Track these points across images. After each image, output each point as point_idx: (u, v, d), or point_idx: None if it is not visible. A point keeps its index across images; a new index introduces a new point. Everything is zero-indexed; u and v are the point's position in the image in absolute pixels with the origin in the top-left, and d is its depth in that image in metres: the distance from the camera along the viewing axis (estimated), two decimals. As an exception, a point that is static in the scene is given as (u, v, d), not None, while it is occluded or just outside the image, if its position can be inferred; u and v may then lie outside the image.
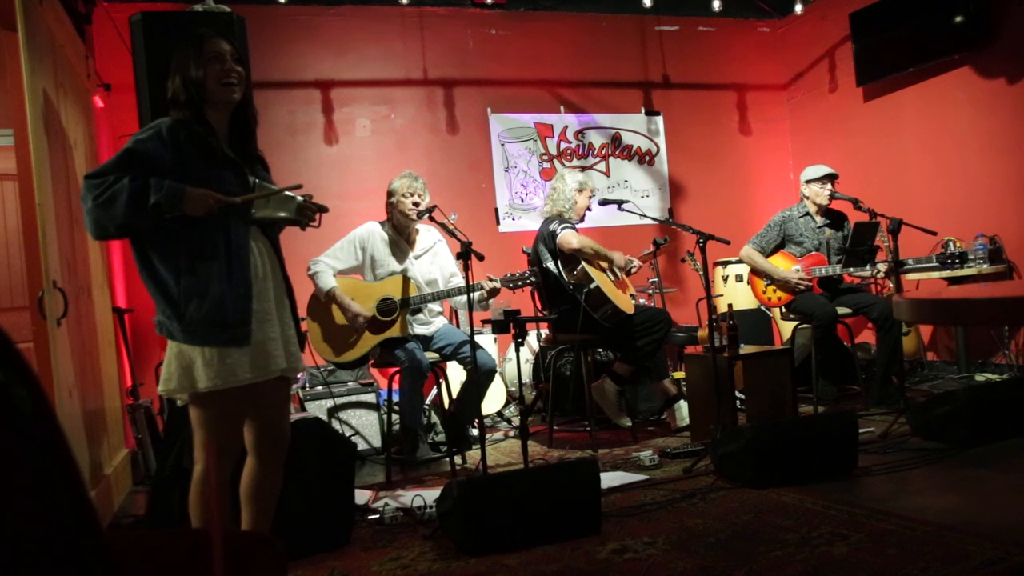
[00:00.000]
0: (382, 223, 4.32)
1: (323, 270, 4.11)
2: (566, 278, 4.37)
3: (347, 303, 4.03)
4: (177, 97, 2.26)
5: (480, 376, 4.09)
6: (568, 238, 4.40)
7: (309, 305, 4.12)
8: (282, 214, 2.36)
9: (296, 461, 2.62)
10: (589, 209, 4.72)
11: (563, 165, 6.65)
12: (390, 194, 4.27)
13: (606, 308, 4.29)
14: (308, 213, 2.39)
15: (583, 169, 6.63)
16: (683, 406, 4.59)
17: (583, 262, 4.36)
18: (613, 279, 4.49)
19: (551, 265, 4.46)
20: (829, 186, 4.90)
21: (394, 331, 4.06)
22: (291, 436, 2.46)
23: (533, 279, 4.11)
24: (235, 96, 2.29)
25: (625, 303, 4.41)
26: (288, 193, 2.37)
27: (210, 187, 2.18)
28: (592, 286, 4.27)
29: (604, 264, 4.47)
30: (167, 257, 2.18)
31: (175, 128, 2.22)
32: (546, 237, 4.51)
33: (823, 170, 4.93)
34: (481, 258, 3.47)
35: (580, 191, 4.64)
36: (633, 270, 4.52)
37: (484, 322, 5.28)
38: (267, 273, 2.33)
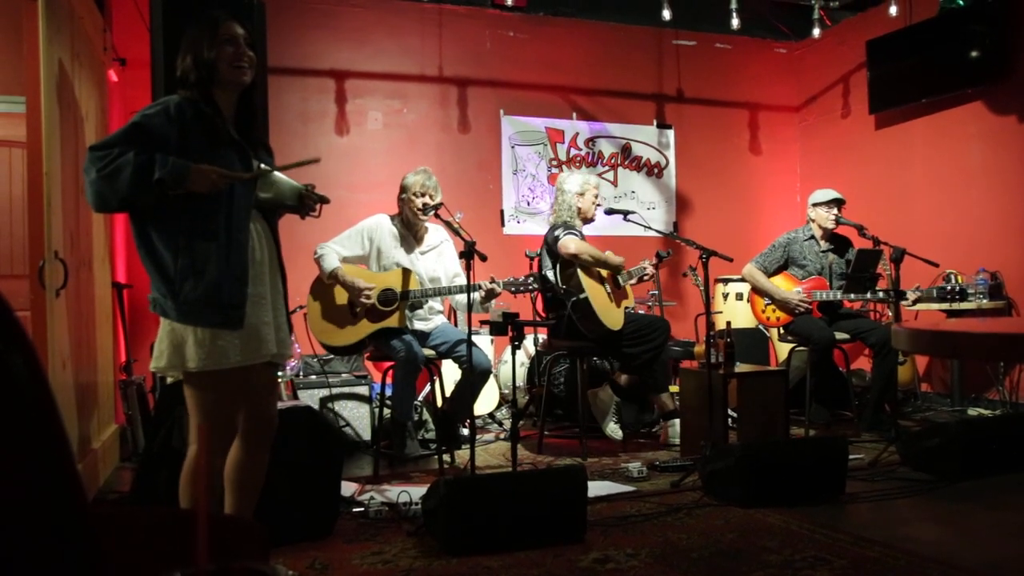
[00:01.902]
0: (392, 217, 4.33)
1: (329, 253, 4.12)
2: (560, 283, 4.36)
3: (351, 280, 4.03)
4: (187, 76, 2.26)
5: (475, 376, 4.08)
6: (567, 243, 4.40)
7: (312, 285, 4.12)
8: (283, 200, 2.36)
9: (285, 448, 2.62)
10: (599, 205, 4.66)
11: (569, 171, 6.65)
12: (403, 189, 4.27)
13: (591, 321, 4.30)
14: (309, 202, 2.39)
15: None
16: (677, 423, 4.58)
17: (579, 270, 4.35)
18: (609, 291, 4.48)
19: (550, 273, 4.46)
20: (835, 211, 4.91)
21: (391, 321, 4.06)
22: (282, 423, 2.46)
23: (534, 286, 4.11)
24: (245, 79, 2.29)
25: (613, 319, 4.36)
26: (292, 182, 2.37)
27: (214, 167, 2.18)
28: (582, 296, 4.28)
29: (604, 273, 4.46)
30: (166, 235, 2.17)
31: (182, 106, 2.21)
32: (549, 243, 4.52)
33: (830, 194, 4.93)
34: (484, 259, 3.47)
35: (581, 194, 4.64)
36: (634, 277, 4.53)
37: (482, 323, 5.30)
38: (264, 257, 2.32)
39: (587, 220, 4.68)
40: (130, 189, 2.08)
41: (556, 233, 4.49)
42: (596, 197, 4.66)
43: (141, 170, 2.08)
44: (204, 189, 2.14)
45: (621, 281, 4.55)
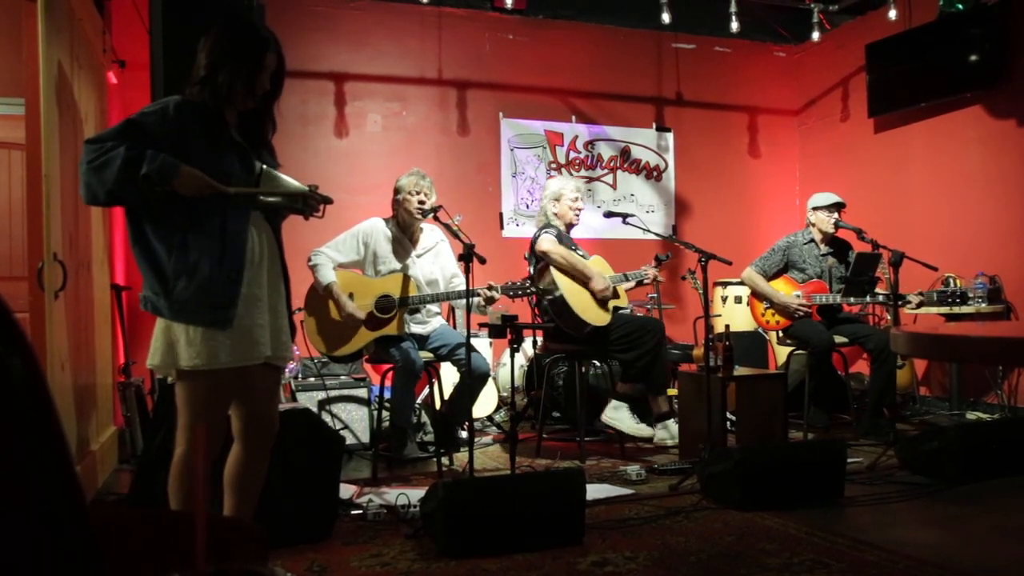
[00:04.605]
0: (386, 220, 4.33)
1: (323, 262, 4.11)
2: (535, 283, 4.33)
3: (343, 301, 4.03)
4: (205, 78, 2.24)
5: (473, 379, 4.08)
6: (542, 241, 4.45)
7: (307, 296, 4.11)
8: (286, 202, 2.35)
9: (283, 451, 2.62)
10: (578, 210, 4.65)
11: (571, 174, 6.66)
12: (397, 191, 4.28)
13: (570, 318, 4.29)
14: (312, 203, 2.38)
15: (589, 180, 6.65)
16: (669, 426, 4.57)
17: (552, 268, 4.37)
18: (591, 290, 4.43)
19: (533, 272, 4.48)
20: (836, 215, 4.91)
21: (390, 329, 4.06)
22: (280, 425, 2.45)
23: (533, 289, 4.11)
24: (250, 105, 2.30)
25: (595, 316, 4.34)
26: (295, 183, 2.36)
27: (213, 170, 2.17)
28: (557, 294, 4.27)
29: (582, 279, 4.40)
30: (162, 232, 2.17)
31: (182, 107, 2.21)
32: (532, 244, 4.54)
33: (831, 198, 4.93)
34: (483, 261, 3.46)
35: (557, 199, 4.67)
36: (631, 281, 4.50)
37: (481, 325, 5.30)
38: (263, 259, 2.31)
39: (569, 225, 4.67)
40: (116, 182, 2.08)
41: (536, 233, 4.58)
42: (575, 202, 4.65)
43: (129, 164, 2.07)
44: (189, 193, 2.13)
45: (612, 284, 4.49)
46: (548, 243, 4.44)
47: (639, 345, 4.38)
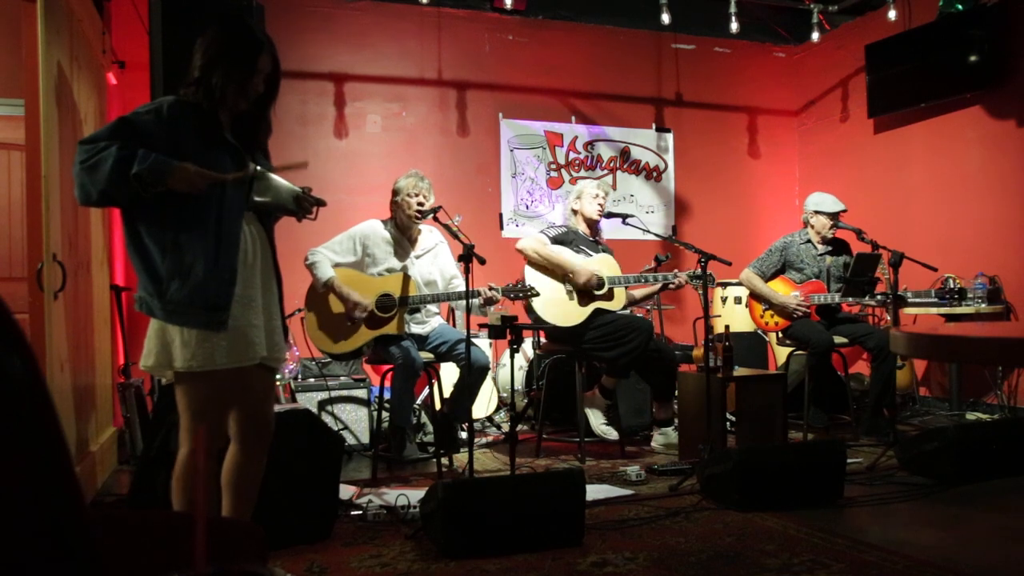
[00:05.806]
0: (384, 221, 4.32)
1: (321, 260, 4.10)
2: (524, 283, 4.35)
3: (347, 292, 4.03)
4: (199, 78, 2.23)
5: (473, 374, 4.06)
6: (521, 240, 4.51)
7: (307, 294, 4.11)
8: (279, 203, 2.35)
9: (283, 452, 2.62)
10: (600, 208, 4.64)
11: (571, 175, 6.66)
12: (395, 192, 4.28)
13: (534, 317, 4.32)
14: (305, 205, 2.37)
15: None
16: (668, 433, 4.58)
17: (527, 265, 4.40)
18: (570, 288, 4.41)
19: None
20: (836, 220, 4.90)
21: (390, 328, 4.06)
22: (280, 426, 2.45)
23: (535, 292, 4.11)
24: (242, 107, 2.30)
25: (559, 315, 4.34)
26: (289, 185, 2.35)
27: (205, 168, 2.17)
28: (530, 292, 4.25)
29: (562, 273, 4.41)
30: (156, 233, 2.16)
31: (176, 106, 2.20)
32: None
33: (837, 205, 4.89)
34: (483, 262, 3.47)
35: (579, 197, 4.69)
36: (623, 284, 4.48)
37: (481, 326, 5.30)
38: (256, 260, 2.31)
39: (591, 222, 4.69)
40: (107, 182, 2.07)
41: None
42: (595, 198, 4.65)
43: (120, 164, 2.07)
44: (184, 189, 2.12)
45: (607, 284, 4.44)
46: (526, 241, 4.50)
47: (622, 343, 4.32)
